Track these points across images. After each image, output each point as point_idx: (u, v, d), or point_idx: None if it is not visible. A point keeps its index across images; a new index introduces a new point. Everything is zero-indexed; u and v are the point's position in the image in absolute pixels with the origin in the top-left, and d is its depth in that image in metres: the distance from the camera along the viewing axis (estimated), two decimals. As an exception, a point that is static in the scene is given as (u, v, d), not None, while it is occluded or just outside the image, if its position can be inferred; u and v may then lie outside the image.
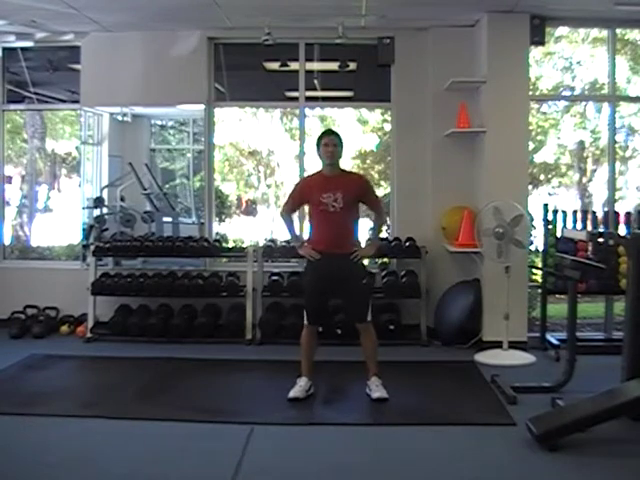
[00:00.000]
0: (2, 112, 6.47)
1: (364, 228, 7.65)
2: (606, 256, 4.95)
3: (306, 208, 4.77)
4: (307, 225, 4.33)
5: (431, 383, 4.53)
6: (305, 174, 6.28)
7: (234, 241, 8.24)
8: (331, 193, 4.03)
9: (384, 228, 4.24)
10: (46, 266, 6.64)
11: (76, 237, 6.65)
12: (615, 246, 4.88)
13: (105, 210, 6.26)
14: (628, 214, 5.41)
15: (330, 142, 4.07)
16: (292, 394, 4.07)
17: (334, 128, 4.43)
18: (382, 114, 8.30)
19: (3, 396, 4.16)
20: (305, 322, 4.20)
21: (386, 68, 6.05)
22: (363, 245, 4.47)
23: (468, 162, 5.71)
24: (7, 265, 6.43)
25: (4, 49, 6.32)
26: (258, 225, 9.56)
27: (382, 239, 6.00)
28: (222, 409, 3.93)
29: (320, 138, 4.14)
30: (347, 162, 9.48)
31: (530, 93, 5.73)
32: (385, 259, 6.17)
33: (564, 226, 5.44)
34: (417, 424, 3.69)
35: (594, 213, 5.47)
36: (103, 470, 3.09)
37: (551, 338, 5.35)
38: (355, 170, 7.33)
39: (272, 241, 6.08)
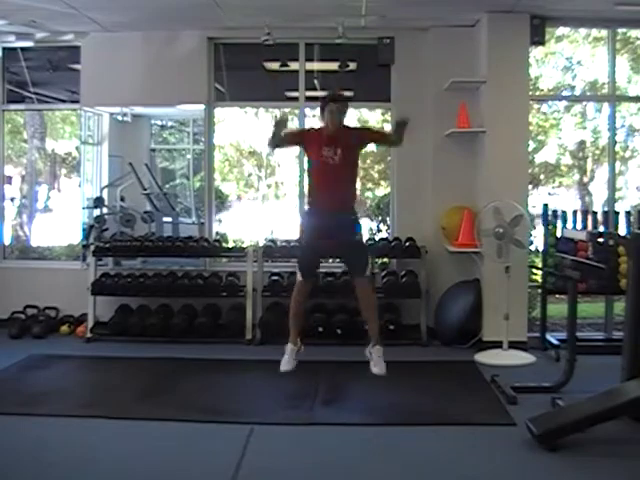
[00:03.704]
0: (2, 112, 6.47)
1: (364, 229, 7.70)
2: (606, 256, 4.95)
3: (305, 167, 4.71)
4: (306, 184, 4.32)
5: (431, 383, 4.52)
6: (305, 174, 6.29)
7: (234, 241, 8.24)
8: (332, 147, 4.04)
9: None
10: (46, 266, 6.63)
11: (76, 237, 6.65)
12: (615, 246, 4.89)
13: (105, 210, 6.26)
14: (628, 214, 5.42)
15: (336, 110, 4.03)
16: (283, 367, 4.15)
17: (341, 92, 4.33)
18: (382, 114, 8.29)
19: (3, 396, 4.16)
20: (298, 277, 4.23)
21: (386, 68, 6.05)
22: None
23: (468, 162, 5.71)
24: (7, 265, 6.43)
25: (4, 49, 6.32)
26: (258, 225, 9.56)
27: (382, 239, 6.02)
28: (222, 409, 3.93)
29: (326, 103, 4.07)
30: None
31: (530, 93, 5.74)
32: (385, 259, 6.17)
33: (564, 226, 5.44)
34: (417, 424, 3.69)
35: (594, 213, 5.47)
36: (103, 470, 3.09)
37: (551, 338, 5.35)
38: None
39: (272, 241, 6.08)
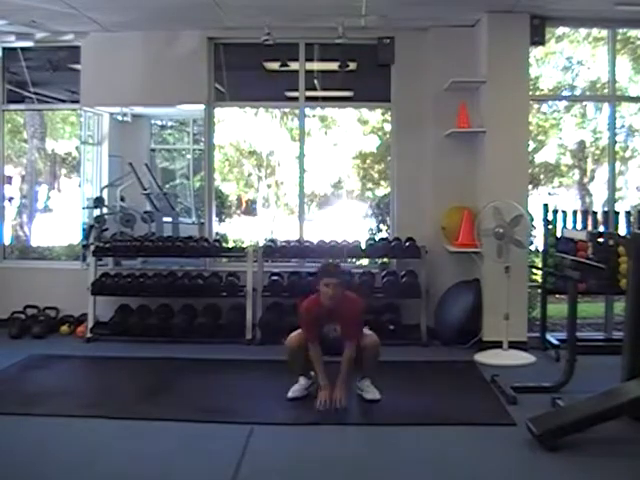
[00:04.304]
0: (2, 112, 6.48)
1: (364, 230, 7.70)
2: (606, 256, 4.95)
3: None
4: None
5: (431, 383, 4.53)
6: (305, 174, 6.30)
7: (234, 241, 8.24)
8: (331, 324, 4.06)
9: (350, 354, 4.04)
10: (46, 266, 6.63)
11: (76, 237, 6.65)
12: (615, 246, 4.89)
13: (105, 210, 6.26)
14: (628, 214, 5.41)
15: (331, 283, 3.93)
16: (291, 394, 4.08)
17: (334, 264, 4.21)
18: (382, 114, 8.29)
19: (3, 396, 4.16)
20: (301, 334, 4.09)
21: (386, 68, 6.05)
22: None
23: (468, 162, 5.71)
24: (7, 265, 6.44)
25: (4, 49, 6.32)
26: (258, 225, 9.56)
27: (382, 239, 6.02)
28: (222, 409, 3.93)
29: (321, 276, 4.00)
30: (347, 162, 9.50)
31: (530, 93, 5.74)
32: (385, 259, 6.18)
33: (564, 226, 5.44)
34: (417, 424, 3.69)
35: (594, 213, 5.47)
36: (103, 470, 3.09)
37: (551, 338, 5.35)
38: (355, 170, 7.34)
39: (272, 241, 6.08)
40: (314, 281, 4.16)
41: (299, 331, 4.11)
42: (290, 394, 4.07)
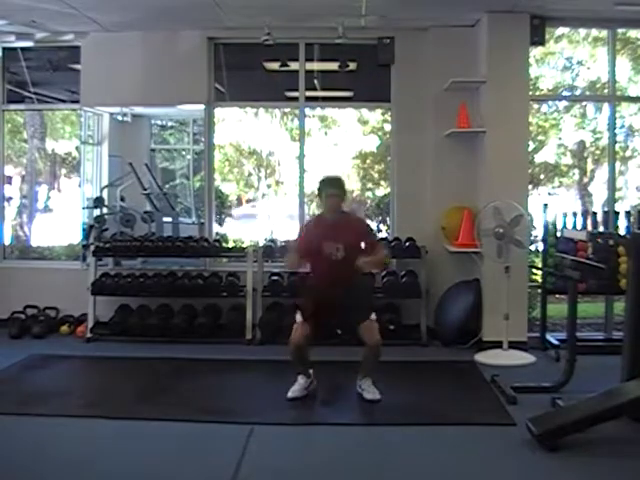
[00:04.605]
0: (2, 112, 6.47)
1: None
2: (606, 256, 4.95)
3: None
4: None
5: (431, 383, 4.53)
6: (305, 174, 6.30)
7: (234, 241, 8.24)
8: (333, 242, 3.98)
9: (382, 256, 4.07)
10: (46, 266, 6.63)
11: (76, 237, 6.65)
12: (615, 246, 4.89)
13: (105, 210, 6.26)
14: (628, 214, 5.42)
15: (334, 195, 3.99)
16: (291, 394, 4.08)
17: (336, 174, 4.26)
18: (382, 114, 8.29)
19: (3, 396, 4.16)
20: (298, 318, 4.05)
21: (386, 68, 6.05)
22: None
23: (468, 162, 5.71)
24: (7, 265, 6.43)
25: (4, 49, 6.32)
26: (258, 225, 9.56)
27: (383, 239, 6.02)
28: (222, 409, 3.93)
29: (322, 188, 4.04)
30: (347, 162, 9.50)
31: (530, 93, 5.74)
32: (385, 259, 6.17)
33: (564, 226, 5.44)
34: (417, 424, 3.69)
35: (594, 213, 5.47)
36: (103, 470, 3.09)
37: (551, 338, 5.35)
38: (355, 170, 7.32)
39: (272, 241, 6.08)
40: (317, 189, 4.09)
41: (299, 322, 4.02)
42: (290, 394, 4.07)
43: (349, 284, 4.04)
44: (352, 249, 3.99)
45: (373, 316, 4.07)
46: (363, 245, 4.08)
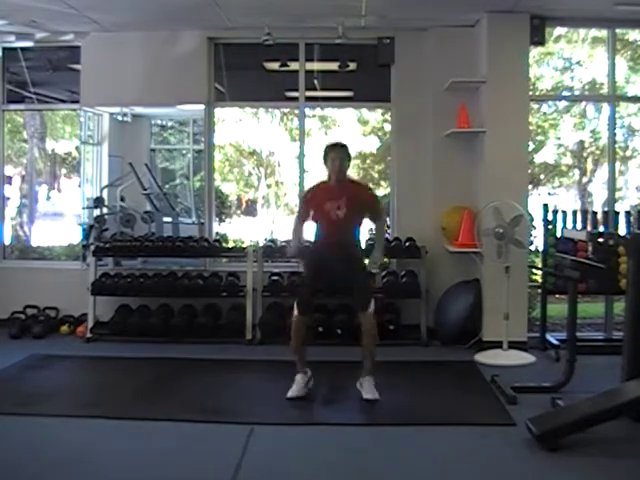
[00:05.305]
0: (2, 112, 6.47)
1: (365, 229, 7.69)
2: (606, 256, 4.96)
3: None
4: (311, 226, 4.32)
5: (431, 383, 4.53)
6: (305, 174, 6.31)
7: (234, 241, 8.25)
8: (335, 202, 4.06)
9: (386, 232, 4.22)
10: (46, 266, 6.64)
11: (76, 237, 6.65)
12: (615, 246, 4.89)
13: (105, 210, 6.26)
14: (628, 214, 5.42)
15: (337, 157, 4.08)
16: (291, 393, 4.08)
17: (341, 140, 4.37)
18: (382, 114, 8.30)
19: (3, 396, 4.15)
20: (295, 313, 4.13)
21: (386, 68, 6.05)
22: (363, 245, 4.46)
23: (468, 162, 5.71)
24: (7, 265, 6.43)
25: (4, 49, 6.31)
26: (258, 225, 9.57)
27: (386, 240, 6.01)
28: (222, 409, 3.93)
29: (327, 152, 4.14)
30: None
31: (530, 93, 5.74)
32: (385, 259, 6.17)
33: (564, 226, 5.44)
34: (417, 424, 3.69)
35: (594, 213, 5.47)
36: (103, 470, 3.09)
37: (551, 338, 5.34)
38: (355, 170, 7.32)
39: (272, 241, 6.08)
40: (323, 155, 4.18)
41: (296, 314, 4.11)
42: (290, 394, 4.07)
43: (348, 250, 4.13)
44: (354, 211, 4.09)
45: (372, 306, 4.11)
46: (367, 213, 4.21)
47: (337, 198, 4.07)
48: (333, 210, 4.06)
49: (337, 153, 4.10)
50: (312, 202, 4.21)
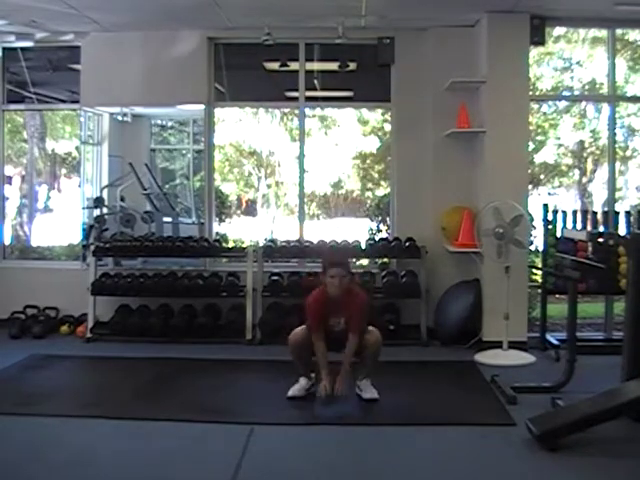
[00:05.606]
0: (2, 112, 6.47)
1: (363, 231, 7.70)
2: (606, 256, 4.96)
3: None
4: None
5: (431, 383, 4.53)
6: (305, 174, 6.31)
7: (234, 241, 8.24)
8: (336, 318, 4.08)
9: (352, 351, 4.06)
10: (46, 266, 6.63)
11: (76, 237, 6.65)
12: (615, 246, 4.89)
13: (105, 210, 6.26)
14: (628, 214, 5.42)
15: (338, 274, 3.98)
16: (291, 392, 4.09)
17: (341, 252, 4.36)
18: (382, 114, 8.30)
19: (3, 396, 4.16)
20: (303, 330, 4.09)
21: (386, 68, 6.05)
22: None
23: (468, 162, 5.71)
24: (7, 265, 6.43)
25: (4, 49, 6.32)
26: (258, 225, 9.56)
27: (382, 239, 6.02)
28: (222, 409, 3.93)
29: (327, 267, 4.04)
30: (347, 162, 9.51)
31: (530, 93, 5.74)
32: (385, 259, 6.18)
33: (564, 226, 5.44)
34: (417, 424, 3.69)
35: (594, 213, 5.47)
36: (103, 470, 3.09)
37: (551, 338, 5.35)
38: (355, 171, 7.30)
39: (272, 241, 6.08)
40: (320, 273, 4.15)
41: (303, 327, 4.11)
42: (290, 393, 4.08)
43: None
44: (352, 320, 4.06)
45: (371, 327, 4.10)
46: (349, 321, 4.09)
47: (337, 314, 4.06)
48: (335, 324, 4.09)
49: (337, 271, 3.98)
50: (319, 316, 4.08)
